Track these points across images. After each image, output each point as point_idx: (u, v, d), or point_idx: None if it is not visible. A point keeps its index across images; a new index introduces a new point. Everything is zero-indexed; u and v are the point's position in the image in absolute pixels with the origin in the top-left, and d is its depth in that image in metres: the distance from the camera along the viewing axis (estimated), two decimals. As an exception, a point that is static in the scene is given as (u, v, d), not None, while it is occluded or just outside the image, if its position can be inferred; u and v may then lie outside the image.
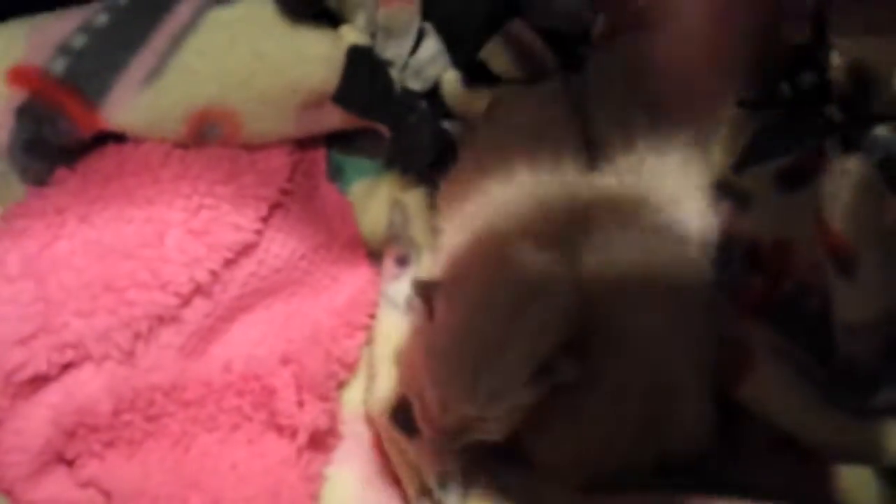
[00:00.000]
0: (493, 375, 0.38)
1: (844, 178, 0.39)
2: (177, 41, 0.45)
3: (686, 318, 0.43)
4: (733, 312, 0.45)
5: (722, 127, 0.46)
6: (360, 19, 0.47)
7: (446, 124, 0.51)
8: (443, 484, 0.43)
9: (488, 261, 0.41)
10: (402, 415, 0.46)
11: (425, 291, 0.41)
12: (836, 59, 0.40)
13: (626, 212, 0.43)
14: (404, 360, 0.43)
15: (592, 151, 0.45)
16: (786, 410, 0.43)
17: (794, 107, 0.46)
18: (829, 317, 0.42)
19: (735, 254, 0.46)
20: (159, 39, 0.45)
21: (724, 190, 0.46)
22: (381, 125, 0.48)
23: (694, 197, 0.45)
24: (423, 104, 0.50)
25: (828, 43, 0.40)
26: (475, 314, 0.39)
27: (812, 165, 0.43)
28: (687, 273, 0.44)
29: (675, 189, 0.44)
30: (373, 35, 0.48)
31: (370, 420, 0.49)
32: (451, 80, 0.50)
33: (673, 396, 0.43)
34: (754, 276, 0.46)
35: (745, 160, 0.46)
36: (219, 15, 0.46)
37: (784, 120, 0.46)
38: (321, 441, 0.47)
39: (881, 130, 0.42)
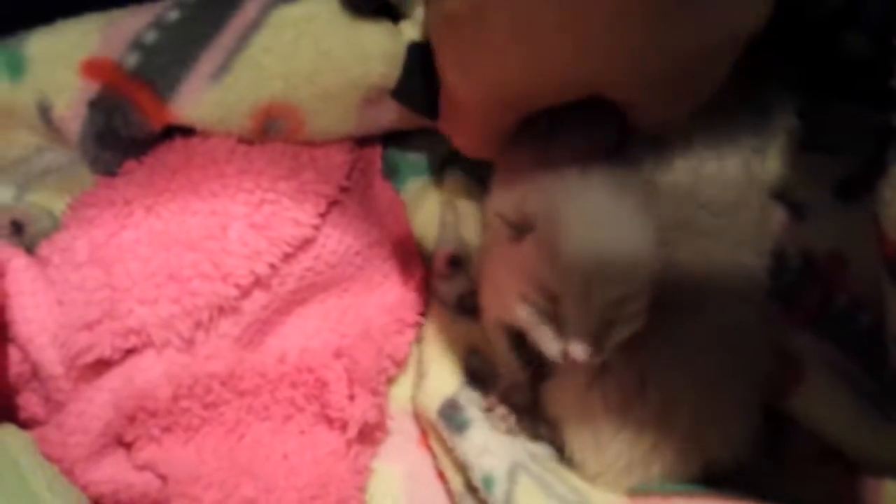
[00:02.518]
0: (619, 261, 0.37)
1: None
2: (244, 38, 0.45)
3: (738, 325, 0.43)
4: (786, 322, 0.45)
5: (780, 135, 0.46)
6: (420, 15, 0.47)
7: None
8: (488, 482, 0.44)
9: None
10: (449, 412, 0.47)
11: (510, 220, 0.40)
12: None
13: (682, 214, 0.43)
14: (501, 291, 0.41)
15: (650, 153, 0.45)
16: (834, 422, 0.43)
17: (853, 114, 0.46)
18: (883, 331, 0.42)
19: (790, 263, 0.46)
20: (227, 36, 0.45)
21: (781, 199, 0.46)
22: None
23: (751, 204, 0.45)
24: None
25: (892, 50, 0.39)
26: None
27: (872, 177, 0.43)
28: (741, 279, 0.43)
29: (732, 194, 0.44)
30: (432, 31, 0.48)
31: (418, 416, 0.49)
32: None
33: (721, 405, 0.43)
34: (809, 286, 0.46)
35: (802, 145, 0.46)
36: (284, 12, 0.46)
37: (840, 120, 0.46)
38: (370, 435, 0.48)
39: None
